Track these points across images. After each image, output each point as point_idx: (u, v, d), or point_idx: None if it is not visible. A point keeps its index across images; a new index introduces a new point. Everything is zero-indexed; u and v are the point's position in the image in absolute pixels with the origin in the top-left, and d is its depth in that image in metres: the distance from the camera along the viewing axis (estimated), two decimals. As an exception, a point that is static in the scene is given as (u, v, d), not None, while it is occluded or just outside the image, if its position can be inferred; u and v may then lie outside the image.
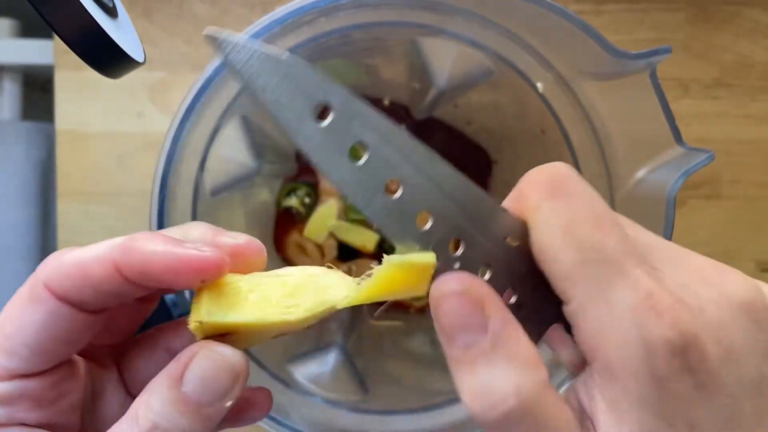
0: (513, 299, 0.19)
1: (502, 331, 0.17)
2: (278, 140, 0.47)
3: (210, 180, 0.36)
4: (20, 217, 0.53)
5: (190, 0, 0.50)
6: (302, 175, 0.50)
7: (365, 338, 0.45)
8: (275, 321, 0.19)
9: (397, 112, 0.50)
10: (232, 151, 0.39)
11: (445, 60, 0.40)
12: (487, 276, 0.19)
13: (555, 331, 0.19)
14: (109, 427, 0.21)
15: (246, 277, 0.20)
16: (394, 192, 0.18)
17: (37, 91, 0.58)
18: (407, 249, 0.19)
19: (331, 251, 0.50)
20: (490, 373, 0.17)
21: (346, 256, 0.50)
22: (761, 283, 0.18)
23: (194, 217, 0.35)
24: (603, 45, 0.30)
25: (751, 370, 0.17)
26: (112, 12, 0.28)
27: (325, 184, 0.49)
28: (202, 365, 0.19)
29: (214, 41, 0.17)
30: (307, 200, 0.49)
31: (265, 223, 0.49)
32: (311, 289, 0.20)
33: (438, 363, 0.44)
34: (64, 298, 0.20)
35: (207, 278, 0.20)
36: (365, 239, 0.49)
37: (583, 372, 0.18)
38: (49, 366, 0.21)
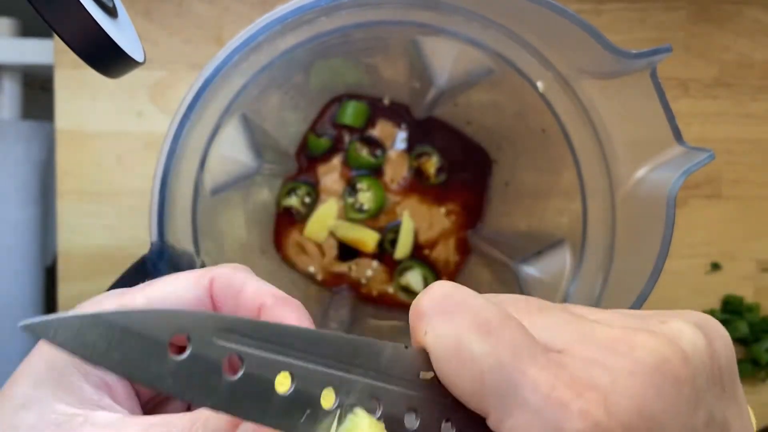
0: (453, 431, 0.19)
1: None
2: (278, 140, 0.47)
3: (210, 179, 0.36)
4: (20, 217, 0.53)
5: (190, -1, 0.50)
6: (302, 174, 0.50)
7: (365, 338, 0.45)
8: None
9: (397, 112, 0.50)
10: (232, 151, 0.39)
11: (445, 59, 0.40)
12: (417, 423, 0.18)
13: None
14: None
15: None
16: (286, 388, 0.17)
17: (36, 90, 0.58)
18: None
19: (331, 251, 0.50)
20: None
21: (346, 255, 0.50)
22: (671, 321, 0.18)
23: (194, 217, 0.35)
24: (603, 44, 0.30)
25: (678, 429, 0.17)
26: (112, 12, 0.28)
27: (325, 184, 0.49)
28: None
29: (33, 329, 0.15)
30: (307, 200, 0.49)
31: (265, 222, 0.49)
32: None
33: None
34: (212, 295, 0.23)
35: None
36: (365, 239, 0.49)
37: None
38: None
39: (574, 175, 0.39)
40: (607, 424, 0.16)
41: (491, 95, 0.45)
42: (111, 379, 0.22)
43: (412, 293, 0.49)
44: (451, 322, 0.17)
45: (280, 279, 0.48)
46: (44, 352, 0.21)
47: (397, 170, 0.50)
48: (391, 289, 0.50)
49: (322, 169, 0.49)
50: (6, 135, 0.54)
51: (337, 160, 0.49)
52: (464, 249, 0.50)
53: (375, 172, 0.49)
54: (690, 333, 0.18)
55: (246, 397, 0.17)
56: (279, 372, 0.17)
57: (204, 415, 0.20)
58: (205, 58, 0.31)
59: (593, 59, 0.32)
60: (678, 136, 0.30)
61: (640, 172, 0.33)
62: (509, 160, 0.49)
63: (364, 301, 0.50)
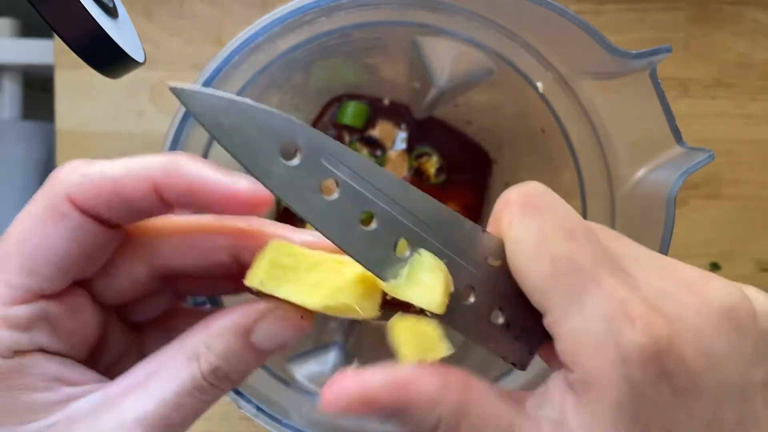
0: (501, 319, 0.19)
1: (398, 405, 0.18)
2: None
3: (210, 180, 0.36)
4: (20, 217, 0.53)
5: (190, 0, 0.50)
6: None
7: (365, 338, 0.45)
8: (318, 309, 0.20)
9: (397, 112, 0.50)
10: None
11: (445, 59, 0.40)
12: (471, 299, 0.19)
13: (548, 348, 0.19)
14: (112, 360, 0.21)
15: (308, 252, 0.20)
16: (369, 224, 0.19)
17: (37, 90, 0.58)
18: (390, 277, 0.19)
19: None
20: (412, 422, 0.18)
21: (346, 255, 0.50)
22: (747, 288, 0.19)
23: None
24: (603, 44, 0.30)
25: (733, 377, 0.17)
26: (112, 12, 0.28)
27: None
28: (274, 325, 0.20)
29: (179, 93, 0.17)
30: (307, 200, 0.49)
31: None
32: (355, 292, 0.20)
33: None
34: (91, 213, 0.19)
35: (254, 213, 0.20)
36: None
37: (558, 378, 0.18)
38: (68, 284, 0.20)
39: (574, 175, 0.39)
40: (666, 346, 0.16)
41: (491, 96, 0.45)
42: (53, 367, 0.19)
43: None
44: (539, 218, 0.18)
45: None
46: None
47: (397, 170, 0.50)
48: (391, 289, 0.50)
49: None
50: (6, 135, 0.54)
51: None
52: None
53: (375, 172, 0.49)
54: (762, 298, 0.18)
55: (334, 218, 0.18)
56: (366, 209, 0.18)
57: (196, 350, 0.19)
58: (206, 58, 0.31)
59: (593, 59, 0.32)
60: (678, 136, 0.30)
61: (640, 173, 0.33)
62: (509, 160, 0.49)
63: (364, 301, 0.50)
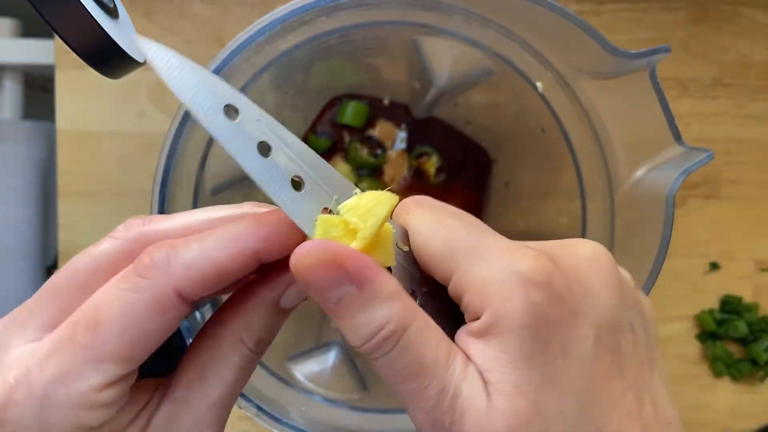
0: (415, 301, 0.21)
1: (363, 276, 0.19)
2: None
3: (210, 179, 0.36)
4: (20, 217, 0.54)
5: (190, 0, 0.50)
6: (302, 174, 0.50)
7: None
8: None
9: (397, 112, 0.50)
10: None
11: (445, 59, 0.40)
12: None
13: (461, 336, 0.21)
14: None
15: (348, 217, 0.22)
16: (299, 188, 0.21)
17: (37, 90, 0.58)
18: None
19: (331, 250, 0.50)
20: (364, 313, 0.19)
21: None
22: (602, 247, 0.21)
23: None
24: (602, 44, 0.30)
25: (606, 306, 0.20)
26: (112, 12, 0.28)
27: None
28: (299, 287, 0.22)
29: (147, 51, 0.21)
30: (307, 200, 0.49)
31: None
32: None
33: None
34: (191, 300, 0.20)
35: None
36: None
37: (465, 331, 0.20)
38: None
39: (574, 175, 0.39)
40: (553, 270, 0.19)
41: (491, 95, 0.45)
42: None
43: (412, 293, 0.49)
44: (431, 209, 0.22)
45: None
46: None
47: (397, 170, 0.50)
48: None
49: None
50: (7, 135, 0.54)
51: (337, 160, 0.49)
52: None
53: (375, 172, 0.50)
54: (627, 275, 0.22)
55: (269, 174, 0.20)
56: (297, 174, 0.21)
57: (235, 326, 0.22)
58: (206, 58, 0.31)
59: (593, 59, 0.32)
60: (677, 136, 0.30)
61: (640, 172, 0.33)
62: (509, 160, 0.49)
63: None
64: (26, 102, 0.57)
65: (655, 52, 0.29)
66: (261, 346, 0.22)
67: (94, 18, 0.25)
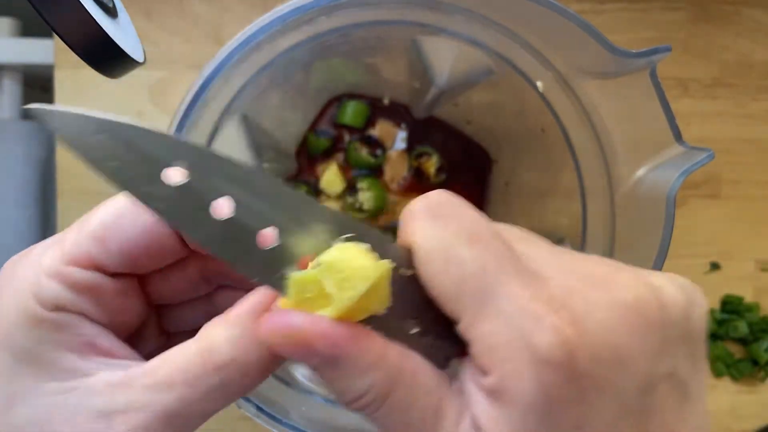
0: (415, 329, 0.19)
1: (336, 354, 0.17)
2: (278, 140, 0.47)
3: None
4: (20, 217, 0.53)
5: (189, 0, 0.50)
6: (302, 174, 0.50)
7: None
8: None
9: (397, 112, 0.50)
10: (231, 151, 0.39)
11: (446, 59, 0.40)
12: (384, 311, 0.19)
13: (463, 354, 0.19)
14: (145, 352, 0.22)
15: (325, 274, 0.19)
16: (270, 242, 0.18)
17: (37, 90, 0.58)
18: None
19: (331, 250, 0.50)
20: (342, 382, 0.18)
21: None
22: (657, 277, 0.19)
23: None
24: (603, 44, 0.30)
25: (640, 370, 0.17)
26: (112, 12, 0.28)
27: (325, 184, 0.49)
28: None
29: (41, 116, 0.16)
30: (307, 199, 0.49)
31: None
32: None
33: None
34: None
35: None
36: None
37: (470, 371, 0.18)
38: (126, 271, 0.21)
39: (574, 175, 0.39)
40: (575, 344, 0.16)
41: (491, 95, 0.45)
42: (90, 332, 0.20)
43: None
44: (443, 226, 0.18)
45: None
46: (3, 343, 0.20)
47: (397, 170, 0.50)
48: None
49: (322, 169, 0.49)
50: (6, 135, 0.54)
51: (337, 160, 0.49)
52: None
53: (375, 171, 0.49)
54: (672, 290, 0.18)
55: (231, 240, 0.17)
56: (264, 226, 0.17)
57: (210, 340, 0.19)
58: (205, 58, 0.31)
59: (593, 59, 0.32)
60: (678, 135, 0.30)
61: (640, 172, 0.33)
62: (509, 160, 0.49)
63: (364, 300, 0.50)
64: (26, 101, 0.57)
65: (655, 51, 0.29)
66: (232, 375, 0.19)
67: (93, 17, 0.25)
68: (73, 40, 0.25)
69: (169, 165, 0.17)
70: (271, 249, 0.18)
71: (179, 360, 0.19)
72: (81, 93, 0.50)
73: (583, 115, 0.36)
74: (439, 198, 0.19)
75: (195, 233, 0.17)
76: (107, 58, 0.27)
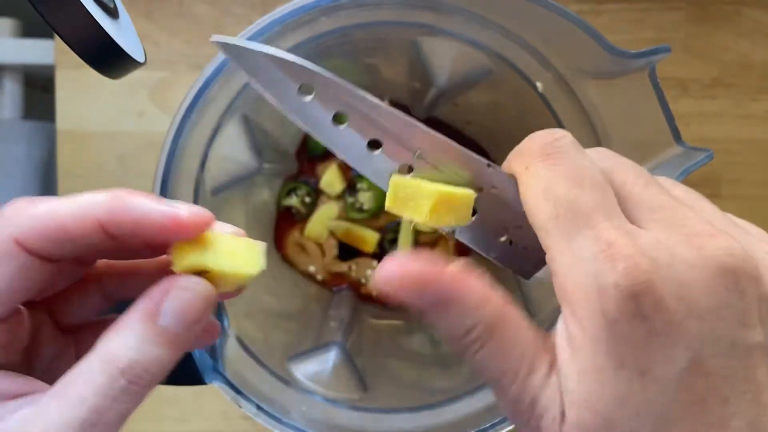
0: (503, 238, 0.22)
1: (447, 297, 0.19)
2: (278, 140, 0.47)
3: (210, 179, 0.36)
4: (21, 217, 0.53)
5: (190, 0, 0.50)
6: (302, 174, 0.50)
7: (365, 337, 0.45)
8: (240, 272, 0.22)
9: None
10: (232, 151, 0.39)
11: (445, 59, 0.40)
12: (474, 217, 0.22)
13: None
14: (45, 358, 0.22)
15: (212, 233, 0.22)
16: (377, 148, 0.22)
17: (37, 90, 0.58)
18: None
19: (332, 251, 0.50)
20: (451, 321, 0.19)
21: (346, 255, 0.50)
22: (762, 253, 0.19)
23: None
24: (602, 44, 0.30)
25: (721, 330, 0.17)
26: (112, 12, 0.28)
27: (325, 184, 0.49)
28: (179, 296, 0.20)
29: (221, 48, 0.21)
30: (307, 199, 0.49)
31: (266, 222, 0.49)
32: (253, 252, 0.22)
33: (437, 361, 0.44)
34: (35, 253, 0.20)
35: (194, 235, 0.21)
36: (365, 238, 0.49)
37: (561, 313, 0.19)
38: (9, 314, 0.21)
39: (574, 175, 0.39)
40: (643, 289, 0.17)
41: (491, 96, 0.45)
42: None
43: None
44: (551, 166, 0.20)
45: (280, 279, 0.48)
46: None
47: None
48: (391, 289, 0.50)
49: (322, 169, 0.50)
50: (7, 135, 0.54)
51: (337, 161, 0.49)
52: (463, 250, 0.50)
53: (375, 172, 0.49)
54: None
55: (345, 143, 0.22)
56: (373, 137, 0.22)
57: (110, 350, 0.20)
58: (206, 58, 0.31)
59: (592, 59, 0.32)
60: (677, 136, 0.30)
61: (640, 172, 0.33)
62: (509, 160, 0.49)
63: (364, 300, 0.50)
64: (26, 102, 0.57)
65: (655, 52, 0.29)
66: (135, 375, 0.20)
67: (94, 18, 0.25)
68: (74, 41, 0.25)
69: (303, 83, 0.21)
70: (377, 153, 0.22)
71: (85, 374, 0.20)
72: (82, 93, 0.50)
73: (583, 116, 0.36)
74: (556, 136, 0.20)
75: (321, 136, 0.21)
76: (108, 58, 0.27)
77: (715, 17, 0.53)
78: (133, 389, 0.20)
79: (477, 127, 0.50)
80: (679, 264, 0.18)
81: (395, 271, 0.19)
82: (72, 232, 0.20)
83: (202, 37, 0.50)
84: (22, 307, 0.22)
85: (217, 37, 0.21)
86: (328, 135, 0.22)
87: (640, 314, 0.17)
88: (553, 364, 0.19)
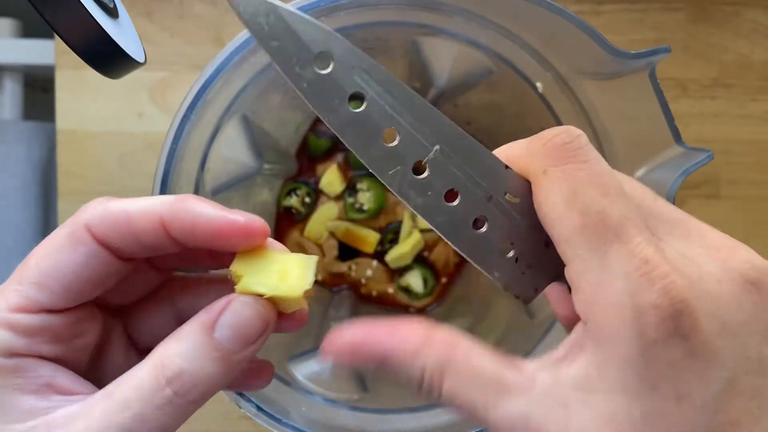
0: (510, 253, 0.20)
1: (383, 355, 0.19)
2: (278, 140, 0.47)
3: (210, 179, 0.36)
4: (20, 217, 0.54)
5: (190, 0, 0.50)
6: (302, 174, 0.50)
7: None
8: (293, 296, 0.21)
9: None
10: (232, 151, 0.39)
11: (445, 60, 0.40)
12: (483, 228, 0.20)
13: (555, 288, 0.20)
14: (111, 372, 0.22)
15: (268, 250, 0.22)
16: (392, 141, 0.19)
17: (37, 90, 0.58)
18: (403, 197, 0.20)
19: (332, 251, 0.50)
20: (400, 373, 0.19)
21: (346, 255, 0.50)
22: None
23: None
24: (602, 45, 0.30)
25: (750, 347, 0.17)
26: (112, 12, 0.28)
27: (325, 184, 0.49)
28: (237, 311, 0.20)
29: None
30: (307, 200, 0.49)
31: (266, 222, 0.49)
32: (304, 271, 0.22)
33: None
34: (104, 243, 0.21)
35: (250, 245, 0.21)
36: (365, 239, 0.49)
37: (577, 329, 0.19)
38: (75, 305, 0.21)
39: (574, 176, 0.39)
40: (681, 308, 0.16)
41: (491, 96, 0.45)
42: (47, 373, 0.21)
43: (413, 294, 0.49)
44: (574, 170, 0.18)
45: (280, 279, 0.48)
46: None
47: (397, 170, 0.50)
48: (391, 290, 0.50)
49: (322, 169, 0.50)
50: (7, 135, 0.54)
51: (337, 161, 0.49)
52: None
53: (375, 172, 0.49)
54: None
55: (358, 130, 0.19)
56: (390, 125, 0.19)
57: (162, 356, 0.20)
58: (206, 58, 0.31)
59: (592, 60, 0.32)
60: (677, 136, 0.30)
61: (640, 172, 0.33)
62: (509, 161, 0.49)
63: (364, 301, 0.50)
64: (26, 102, 0.57)
65: (654, 52, 0.29)
66: (182, 385, 0.20)
67: (94, 18, 0.25)
68: (74, 41, 0.25)
69: (320, 52, 0.19)
70: (390, 147, 0.19)
71: (133, 379, 0.20)
72: (81, 93, 0.50)
73: (583, 116, 0.36)
74: (571, 137, 0.19)
75: (328, 115, 0.19)
76: (108, 58, 0.27)
77: (715, 17, 0.53)
78: (177, 402, 0.20)
79: (477, 127, 0.50)
80: (707, 279, 0.17)
81: (331, 344, 0.19)
82: (137, 226, 0.21)
83: (202, 37, 0.50)
84: (95, 308, 0.23)
85: None
86: (338, 116, 0.19)
87: (679, 335, 0.16)
88: (531, 380, 0.18)
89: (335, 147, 0.50)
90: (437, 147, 0.20)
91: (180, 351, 0.20)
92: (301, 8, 0.31)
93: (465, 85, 0.43)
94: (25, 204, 0.54)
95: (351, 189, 0.49)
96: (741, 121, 0.54)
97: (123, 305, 0.25)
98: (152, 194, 0.31)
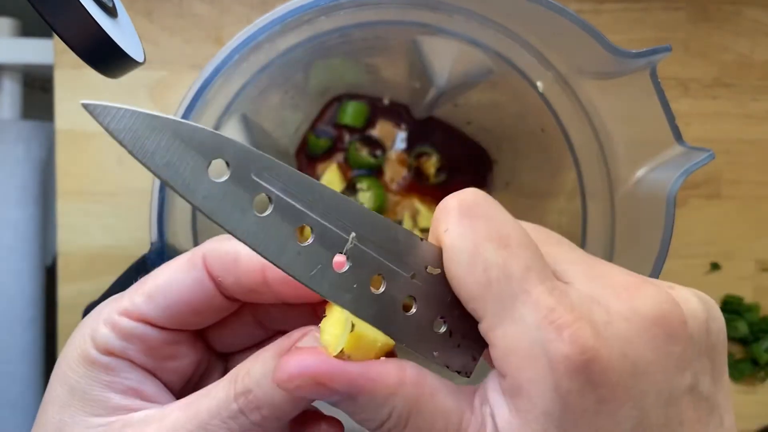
0: (443, 328, 0.20)
1: (354, 390, 0.18)
2: (278, 140, 0.47)
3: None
4: (20, 217, 0.53)
5: (189, 0, 0.50)
6: (302, 174, 0.50)
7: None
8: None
9: (397, 112, 0.50)
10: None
11: (445, 59, 0.40)
12: (413, 309, 0.19)
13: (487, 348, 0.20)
14: (195, 380, 0.24)
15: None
16: (306, 240, 0.18)
17: (37, 90, 0.58)
18: (328, 295, 0.19)
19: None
20: (363, 413, 0.19)
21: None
22: (680, 291, 0.19)
23: (194, 217, 0.35)
24: (603, 44, 0.30)
25: (659, 383, 0.17)
26: (112, 11, 0.28)
27: (324, 183, 0.49)
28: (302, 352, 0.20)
29: (92, 111, 0.17)
30: (307, 200, 0.49)
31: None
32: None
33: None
34: (211, 274, 0.22)
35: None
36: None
37: (494, 378, 0.19)
38: (173, 327, 0.22)
39: (574, 175, 0.39)
40: (594, 353, 0.17)
41: (491, 95, 0.45)
42: (135, 378, 0.22)
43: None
44: (473, 227, 0.18)
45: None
46: (61, 376, 0.22)
47: (397, 170, 0.50)
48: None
49: (322, 169, 0.49)
50: (6, 135, 0.54)
51: (337, 160, 0.49)
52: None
53: (375, 171, 0.49)
54: (695, 302, 0.19)
55: (269, 235, 0.18)
56: (302, 223, 0.18)
57: (238, 370, 0.20)
58: (205, 58, 0.31)
59: (593, 59, 0.32)
60: (678, 135, 0.30)
61: (640, 172, 0.33)
62: (509, 160, 0.49)
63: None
64: (25, 102, 0.57)
65: (655, 51, 0.29)
66: (247, 404, 0.20)
67: (93, 17, 0.25)
68: (73, 40, 0.25)
69: (211, 159, 0.17)
70: (306, 246, 0.18)
71: (210, 390, 0.21)
72: (81, 93, 0.50)
73: (583, 116, 0.36)
74: (473, 197, 0.19)
75: (234, 227, 0.17)
76: (107, 58, 0.27)
77: (716, 17, 0.53)
78: (241, 420, 0.20)
79: (477, 127, 0.50)
80: (615, 320, 0.17)
81: (291, 369, 0.18)
82: (241, 265, 0.21)
83: (201, 37, 0.50)
84: (198, 341, 0.24)
85: (88, 102, 0.17)
86: (244, 225, 0.17)
87: (590, 383, 0.17)
88: (485, 423, 0.18)
89: (335, 147, 0.49)
90: (353, 234, 0.19)
91: (252, 370, 0.20)
92: (301, 7, 0.31)
93: (465, 85, 0.43)
94: (24, 204, 0.54)
95: (351, 189, 0.49)
96: (742, 121, 0.54)
97: (229, 353, 0.25)
98: (152, 195, 0.31)
